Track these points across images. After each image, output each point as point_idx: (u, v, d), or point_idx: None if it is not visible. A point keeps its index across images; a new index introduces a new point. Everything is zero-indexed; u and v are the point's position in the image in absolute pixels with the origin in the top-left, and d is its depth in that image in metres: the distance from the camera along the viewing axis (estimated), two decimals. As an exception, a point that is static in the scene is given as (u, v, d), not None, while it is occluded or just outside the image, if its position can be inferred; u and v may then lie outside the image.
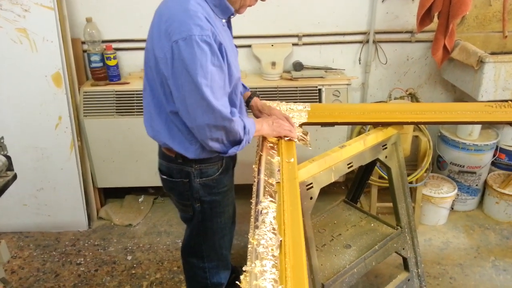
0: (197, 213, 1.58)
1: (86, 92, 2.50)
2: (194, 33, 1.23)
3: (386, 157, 1.81)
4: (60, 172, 2.54)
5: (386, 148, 1.80)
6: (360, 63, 2.67)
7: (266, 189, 1.28)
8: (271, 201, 1.22)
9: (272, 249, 1.04)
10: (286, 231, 1.11)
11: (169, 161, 1.53)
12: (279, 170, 1.40)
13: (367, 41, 2.59)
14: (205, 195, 1.55)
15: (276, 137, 1.60)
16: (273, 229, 1.11)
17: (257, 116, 1.76)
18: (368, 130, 2.04)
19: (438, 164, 2.76)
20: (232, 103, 1.48)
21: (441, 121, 1.83)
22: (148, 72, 1.42)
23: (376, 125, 1.82)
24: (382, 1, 2.50)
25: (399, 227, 1.90)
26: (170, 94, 1.35)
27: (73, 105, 2.47)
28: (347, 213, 2.06)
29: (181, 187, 1.54)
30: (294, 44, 2.60)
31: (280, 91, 2.50)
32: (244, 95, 1.79)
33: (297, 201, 1.24)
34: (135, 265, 2.39)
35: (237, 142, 1.40)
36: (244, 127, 1.40)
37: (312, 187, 1.52)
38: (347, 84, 2.51)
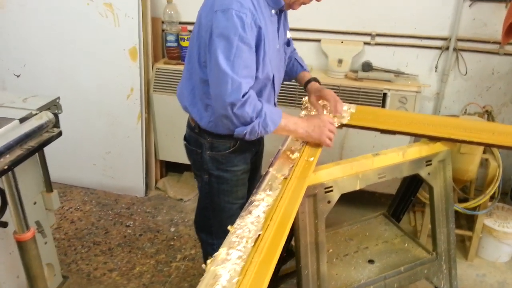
0: (205, 184, 1.64)
1: (158, 69, 2.66)
2: (233, 7, 1.29)
3: (429, 174, 1.66)
4: (127, 139, 2.75)
5: (430, 164, 1.65)
6: (436, 71, 2.46)
7: (270, 183, 1.26)
8: (268, 194, 1.20)
9: (247, 241, 1.02)
10: (270, 227, 1.08)
11: (190, 129, 1.62)
12: (293, 167, 1.36)
13: (447, 48, 2.38)
14: (213, 168, 1.59)
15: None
16: (257, 221, 1.09)
17: (312, 104, 1.74)
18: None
19: (513, 195, 2.46)
20: (259, 95, 1.47)
21: (501, 144, 1.63)
22: (192, 39, 1.50)
23: (423, 137, 1.68)
24: (470, 6, 2.27)
25: (434, 253, 1.74)
26: (204, 61, 1.41)
27: (145, 79, 2.64)
28: (383, 228, 1.94)
29: (194, 156, 1.62)
30: (365, 43, 2.48)
31: (342, 90, 2.41)
32: (303, 76, 1.81)
33: (297, 200, 1.21)
34: (175, 237, 2.51)
35: (247, 123, 1.36)
36: (260, 110, 1.36)
37: (331, 190, 1.45)
38: (417, 92, 2.33)
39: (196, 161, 1.64)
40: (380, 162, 1.55)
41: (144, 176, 2.84)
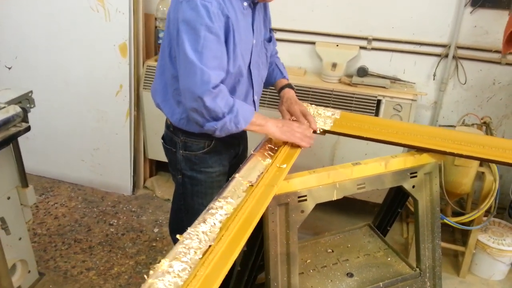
0: (179, 184, 1.60)
1: (149, 66, 2.61)
2: None
3: (413, 186, 1.57)
4: (115, 136, 2.70)
5: (415, 176, 1.56)
6: (434, 79, 2.36)
7: (233, 189, 1.19)
8: (228, 202, 1.13)
9: (195, 252, 0.95)
10: (224, 238, 1.01)
11: (166, 127, 1.58)
12: (262, 173, 1.29)
13: (447, 56, 2.28)
14: (186, 168, 1.54)
15: (284, 141, 1.47)
16: (210, 231, 1.02)
17: (281, 112, 1.65)
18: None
19: (510, 211, 2.34)
20: (233, 92, 1.42)
21: (492, 159, 1.53)
22: (164, 35, 1.45)
23: (408, 147, 1.59)
24: (471, 12, 2.17)
25: (418, 269, 1.65)
26: (174, 56, 1.36)
27: (135, 76, 2.59)
28: (366, 240, 1.85)
29: (170, 155, 1.59)
30: (362, 48, 2.40)
31: (334, 95, 2.33)
32: (280, 82, 1.73)
33: (259, 210, 1.13)
34: (158, 238, 2.45)
35: (219, 118, 1.30)
36: (232, 106, 1.31)
37: (305, 200, 1.38)
38: (412, 100, 2.24)
39: (172, 160, 1.60)
40: (359, 172, 1.46)
41: (132, 174, 2.79)
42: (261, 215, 1.14)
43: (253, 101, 1.56)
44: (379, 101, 2.29)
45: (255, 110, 1.55)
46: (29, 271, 2.03)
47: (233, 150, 1.63)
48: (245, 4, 1.39)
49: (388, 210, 1.88)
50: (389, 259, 1.74)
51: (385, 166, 1.51)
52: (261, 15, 1.52)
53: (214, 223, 1.05)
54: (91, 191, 2.86)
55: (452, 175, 2.11)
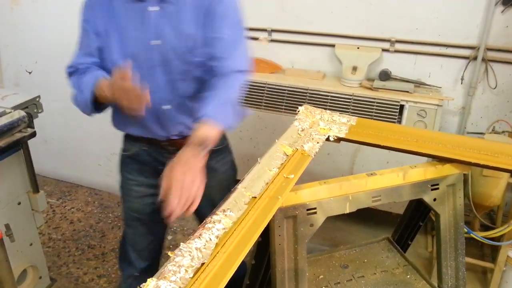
0: None
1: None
2: None
3: (435, 199, 1.46)
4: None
5: (437, 189, 1.45)
6: (462, 83, 2.22)
7: (234, 202, 1.12)
8: (228, 215, 1.05)
9: (186, 270, 0.88)
10: (219, 255, 0.94)
11: None
12: (267, 184, 1.21)
13: (475, 58, 2.14)
14: (119, 166, 1.60)
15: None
16: (205, 248, 0.95)
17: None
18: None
19: (546, 226, 2.17)
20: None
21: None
22: None
23: (429, 157, 1.48)
24: (502, 12, 2.03)
25: (440, 288, 1.53)
26: None
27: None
28: (385, 254, 1.74)
29: None
30: (384, 50, 2.29)
31: (354, 100, 2.23)
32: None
33: (261, 224, 1.05)
34: (171, 246, 2.41)
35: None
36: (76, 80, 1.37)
37: (315, 212, 1.29)
38: (438, 105, 2.11)
39: None
40: (375, 183, 1.36)
41: (148, 179, 2.75)
42: (262, 230, 1.05)
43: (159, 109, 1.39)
44: (402, 106, 2.17)
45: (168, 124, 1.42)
46: (40, 277, 2.02)
47: (161, 167, 1.27)
48: None
49: (409, 223, 1.76)
50: (408, 276, 1.62)
51: (403, 177, 1.40)
52: (181, 14, 1.31)
53: (210, 239, 0.97)
54: (107, 195, 2.85)
55: (481, 186, 1.97)
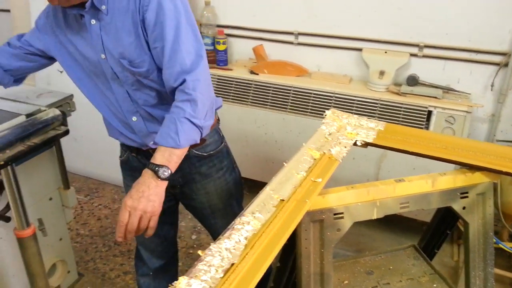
0: None
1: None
2: None
3: (464, 208, 1.43)
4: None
5: (466, 197, 1.43)
6: (492, 90, 2.18)
7: (262, 204, 1.13)
8: (256, 217, 1.07)
9: (216, 270, 0.90)
10: (249, 256, 0.95)
11: None
12: (295, 187, 1.22)
13: (506, 65, 2.10)
14: None
15: None
16: (234, 248, 0.96)
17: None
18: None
19: None
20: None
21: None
22: None
23: (459, 165, 1.46)
24: (536, 17, 1.99)
25: (467, 299, 1.51)
26: None
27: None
28: (411, 262, 1.72)
29: None
30: (412, 55, 2.26)
31: (381, 105, 2.21)
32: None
33: (289, 227, 1.06)
34: (195, 246, 2.44)
35: None
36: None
37: (342, 217, 1.29)
38: (467, 112, 2.08)
39: None
40: (403, 189, 1.35)
41: (173, 179, 2.79)
42: (290, 233, 1.06)
43: (129, 121, 1.39)
44: (430, 113, 2.15)
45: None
46: (69, 271, 2.07)
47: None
48: (74, 13, 1.23)
49: (436, 231, 1.74)
50: (434, 285, 1.60)
51: (432, 184, 1.38)
52: (117, 25, 1.23)
53: (239, 240, 0.99)
54: (133, 194, 2.90)
55: (510, 195, 1.93)
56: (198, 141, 1.27)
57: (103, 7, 1.20)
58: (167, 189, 1.41)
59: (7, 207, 1.54)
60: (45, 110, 1.50)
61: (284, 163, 1.31)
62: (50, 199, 1.86)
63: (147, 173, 1.20)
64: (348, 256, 1.78)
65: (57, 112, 1.51)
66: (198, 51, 1.23)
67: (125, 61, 1.25)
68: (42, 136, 1.46)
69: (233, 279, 0.89)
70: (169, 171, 1.21)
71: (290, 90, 2.38)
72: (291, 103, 2.38)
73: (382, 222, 2.53)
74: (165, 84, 1.26)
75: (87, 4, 1.17)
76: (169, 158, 1.20)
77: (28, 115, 1.46)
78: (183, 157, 1.26)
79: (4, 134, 1.33)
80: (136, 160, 1.49)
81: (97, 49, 1.26)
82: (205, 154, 1.49)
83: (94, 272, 2.25)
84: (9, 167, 1.36)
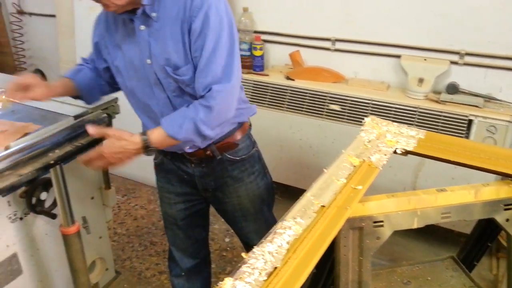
0: None
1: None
2: None
3: (507, 220, 1.40)
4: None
5: (510, 209, 1.39)
6: (537, 99, 2.12)
7: (303, 209, 1.14)
8: (298, 222, 1.08)
9: (260, 273, 0.92)
10: (291, 261, 0.96)
11: None
12: (335, 194, 1.22)
13: (552, 74, 2.03)
14: None
15: None
16: (277, 252, 0.98)
17: None
18: None
19: None
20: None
21: None
22: None
23: (503, 175, 1.43)
24: None
25: (509, 314, 1.46)
26: None
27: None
28: (449, 274, 1.69)
29: None
30: (452, 62, 2.22)
31: (420, 113, 2.18)
32: None
33: (330, 233, 1.07)
34: (228, 248, 2.46)
35: None
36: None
37: (382, 225, 1.28)
38: (509, 121, 2.02)
39: None
40: (445, 199, 1.33)
41: (207, 182, 2.84)
42: (332, 239, 1.07)
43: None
44: (470, 122, 2.10)
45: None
46: (107, 269, 2.14)
47: (186, 176, 1.52)
48: (125, 17, 1.29)
49: (476, 243, 1.70)
50: (474, 297, 1.57)
51: (475, 195, 1.36)
52: (166, 32, 1.27)
53: (281, 244, 1.00)
54: (168, 195, 2.97)
55: (555, 208, 1.86)
56: (199, 145, 1.39)
57: (154, 14, 1.25)
58: (199, 192, 1.55)
59: (53, 204, 1.61)
60: (92, 112, 1.57)
61: (324, 169, 1.32)
62: (92, 198, 1.92)
63: (138, 141, 1.28)
64: (382, 265, 1.76)
65: (103, 114, 1.57)
66: (231, 66, 1.27)
67: (169, 68, 1.29)
68: (89, 137, 1.51)
69: (276, 282, 0.90)
70: (154, 153, 1.38)
71: (326, 96, 2.38)
72: (327, 109, 2.38)
73: (417, 232, 2.50)
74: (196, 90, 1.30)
75: (139, 11, 1.23)
76: (163, 141, 1.29)
77: (76, 117, 1.52)
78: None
79: (54, 135, 1.40)
80: (170, 162, 1.53)
81: (144, 54, 1.29)
82: (237, 158, 1.53)
83: (130, 270, 2.31)
84: (57, 166, 1.43)
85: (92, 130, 1.29)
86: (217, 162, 1.48)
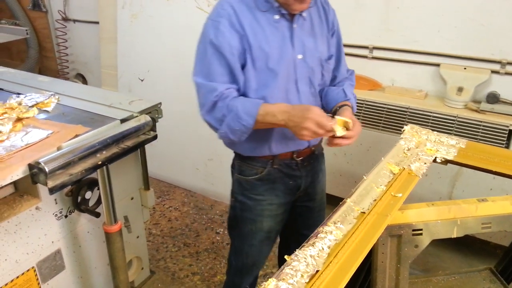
0: (230, 207, 1.63)
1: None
2: (210, 16, 1.33)
3: (551, 232, 1.37)
4: (228, 149, 2.82)
5: (554, 221, 1.36)
6: None
7: (344, 215, 1.15)
8: (338, 228, 1.10)
9: (302, 275, 0.94)
10: (332, 265, 0.98)
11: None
12: (375, 200, 1.23)
13: None
14: (238, 192, 1.56)
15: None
16: (318, 256, 1.00)
17: None
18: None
19: None
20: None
21: None
22: None
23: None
24: None
25: (551, 329, 1.43)
26: None
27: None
28: (486, 285, 1.66)
29: (232, 177, 1.62)
30: (493, 72, 2.18)
31: (458, 122, 2.15)
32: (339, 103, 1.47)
33: (371, 239, 1.08)
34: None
35: (221, 120, 1.31)
36: (231, 105, 1.28)
37: (421, 234, 1.28)
38: (552, 132, 1.97)
39: (231, 182, 1.62)
40: (485, 209, 1.32)
41: (240, 186, 2.88)
42: (372, 245, 1.08)
43: None
44: (511, 132, 2.06)
45: None
46: (142, 268, 2.19)
47: (292, 181, 1.53)
48: (276, 17, 1.32)
49: (517, 255, 1.67)
50: (514, 311, 1.53)
51: (517, 206, 1.34)
52: (316, 29, 1.41)
53: (323, 248, 1.02)
54: (202, 198, 3.02)
55: None
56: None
57: (304, 14, 1.37)
58: (292, 200, 1.60)
59: (97, 203, 1.67)
60: (137, 116, 1.63)
61: (364, 176, 1.33)
62: (132, 198, 1.98)
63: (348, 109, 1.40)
64: (415, 275, 1.75)
65: (148, 118, 1.62)
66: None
67: (321, 61, 1.43)
68: (134, 140, 1.58)
69: (318, 285, 0.92)
70: None
71: (362, 103, 2.38)
72: (363, 116, 2.38)
73: (452, 243, 2.46)
74: (337, 76, 1.54)
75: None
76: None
77: (122, 120, 1.58)
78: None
79: (103, 137, 1.46)
80: (277, 171, 1.49)
81: (296, 50, 1.36)
82: (322, 151, 1.64)
83: (164, 270, 2.37)
84: (104, 167, 1.49)
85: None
86: (315, 158, 1.58)
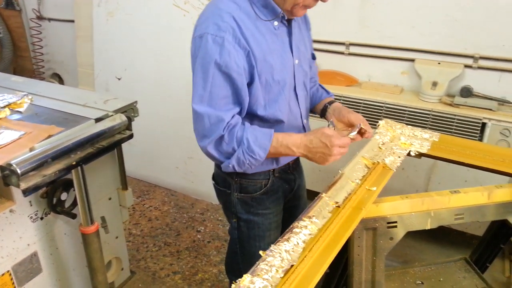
0: (233, 229, 1.50)
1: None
2: (209, 31, 1.15)
3: (521, 222, 1.41)
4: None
5: (524, 211, 1.40)
6: (551, 103, 2.12)
7: (319, 209, 1.16)
8: (313, 222, 1.11)
9: (276, 270, 0.94)
10: (307, 259, 0.99)
11: (217, 166, 1.47)
12: (349, 194, 1.25)
13: None
14: (242, 212, 1.44)
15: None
16: (293, 250, 1.00)
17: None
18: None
19: None
20: (269, 119, 1.32)
21: None
22: None
23: (516, 178, 1.44)
24: None
25: (522, 315, 1.47)
26: None
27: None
28: (462, 275, 1.70)
29: (224, 197, 1.47)
30: (466, 66, 2.23)
31: (433, 116, 2.19)
32: (324, 100, 1.52)
33: (345, 233, 1.09)
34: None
35: (230, 154, 1.22)
36: (241, 137, 1.19)
37: (395, 226, 1.30)
38: (523, 125, 2.03)
39: (226, 202, 1.48)
40: (458, 201, 1.35)
41: (221, 184, 2.87)
42: (346, 239, 1.10)
43: (303, 125, 1.45)
44: (484, 125, 2.11)
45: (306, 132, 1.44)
46: (122, 269, 2.18)
47: (288, 185, 1.52)
48: (276, 23, 1.25)
49: (489, 244, 1.71)
50: (488, 299, 1.57)
51: (488, 196, 1.37)
52: (302, 31, 1.41)
53: (298, 243, 1.03)
54: (182, 197, 3.01)
55: None
56: None
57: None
58: (284, 196, 1.55)
59: (73, 204, 1.65)
60: (112, 115, 1.61)
61: (339, 171, 1.34)
62: (110, 198, 1.96)
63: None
64: (394, 266, 1.78)
65: (123, 117, 1.61)
66: None
67: (310, 64, 1.46)
68: (109, 139, 1.56)
69: (293, 279, 0.93)
70: None
71: (339, 99, 2.40)
72: (340, 112, 2.40)
73: (430, 235, 2.51)
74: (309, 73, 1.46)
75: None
76: None
77: (97, 120, 1.56)
78: None
79: (77, 137, 1.44)
80: (278, 180, 1.46)
81: (294, 56, 1.32)
82: None
83: (145, 270, 2.35)
84: (79, 167, 1.47)
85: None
86: (298, 157, 1.52)
